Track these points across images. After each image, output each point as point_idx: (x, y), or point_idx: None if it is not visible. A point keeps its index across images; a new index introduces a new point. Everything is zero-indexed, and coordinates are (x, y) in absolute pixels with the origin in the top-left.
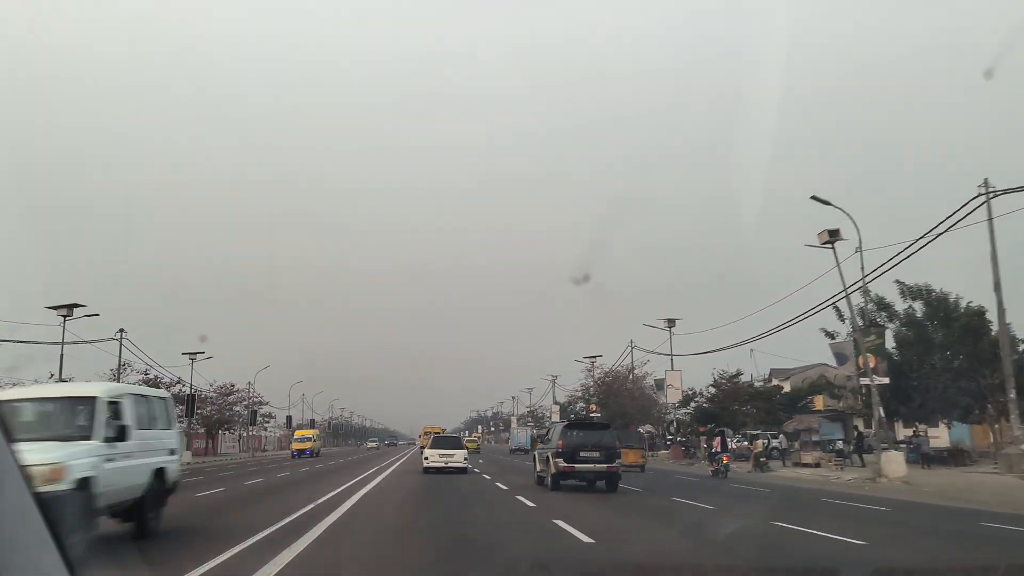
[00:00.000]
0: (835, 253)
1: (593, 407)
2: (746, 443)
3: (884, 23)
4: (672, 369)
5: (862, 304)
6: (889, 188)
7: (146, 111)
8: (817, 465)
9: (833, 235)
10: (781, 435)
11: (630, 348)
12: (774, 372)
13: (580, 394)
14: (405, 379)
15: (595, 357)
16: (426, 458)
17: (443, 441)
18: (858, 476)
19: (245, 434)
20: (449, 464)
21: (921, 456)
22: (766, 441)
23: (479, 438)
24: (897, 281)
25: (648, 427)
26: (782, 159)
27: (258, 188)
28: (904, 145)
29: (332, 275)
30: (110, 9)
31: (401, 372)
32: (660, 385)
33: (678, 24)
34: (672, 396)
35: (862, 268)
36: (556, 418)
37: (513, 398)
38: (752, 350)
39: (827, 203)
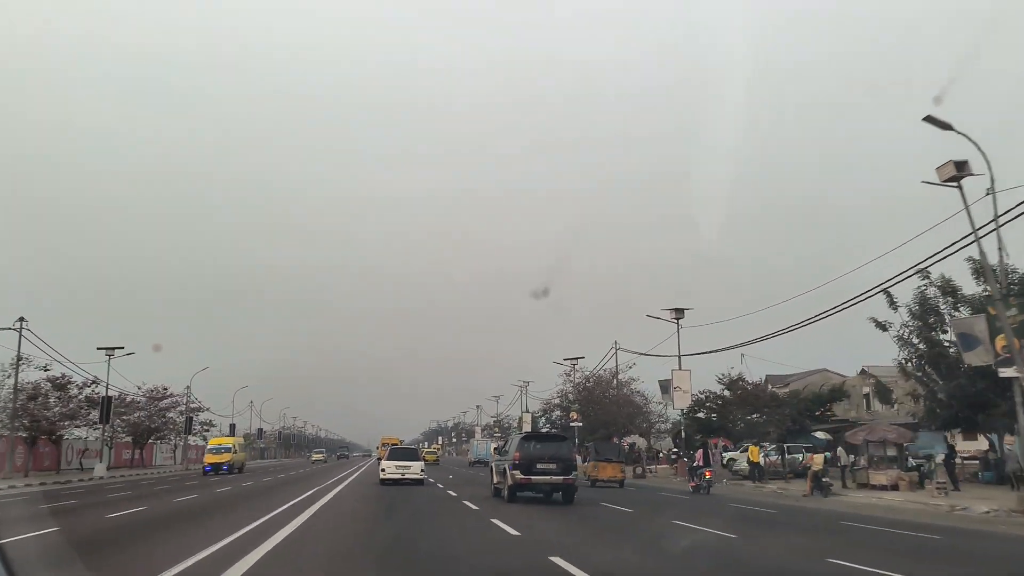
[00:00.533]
0: (962, 192)
1: (574, 415)
2: (775, 458)
3: (839, 50)
4: (680, 368)
5: (923, 288)
6: (843, 206)
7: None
8: (894, 487)
9: (960, 168)
10: (840, 448)
11: (614, 349)
12: (770, 379)
13: (558, 401)
14: (364, 390)
15: (576, 359)
16: (383, 470)
17: (400, 453)
18: (996, 507)
19: (181, 443)
20: (406, 476)
21: (1012, 476)
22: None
23: (439, 450)
24: (969, 259)
25: (634, 438)
26: (741, 178)
27: (226, 191)
28: (858, 165)
29: (291, 281)
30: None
31: (360, 382)
32: (665, 387)
33: (645, 51)
34: (680, 401)
35: (995, 210)
36: (528, 428)
37: (477, 407)
38: (743, 355)
39: (947, 127)
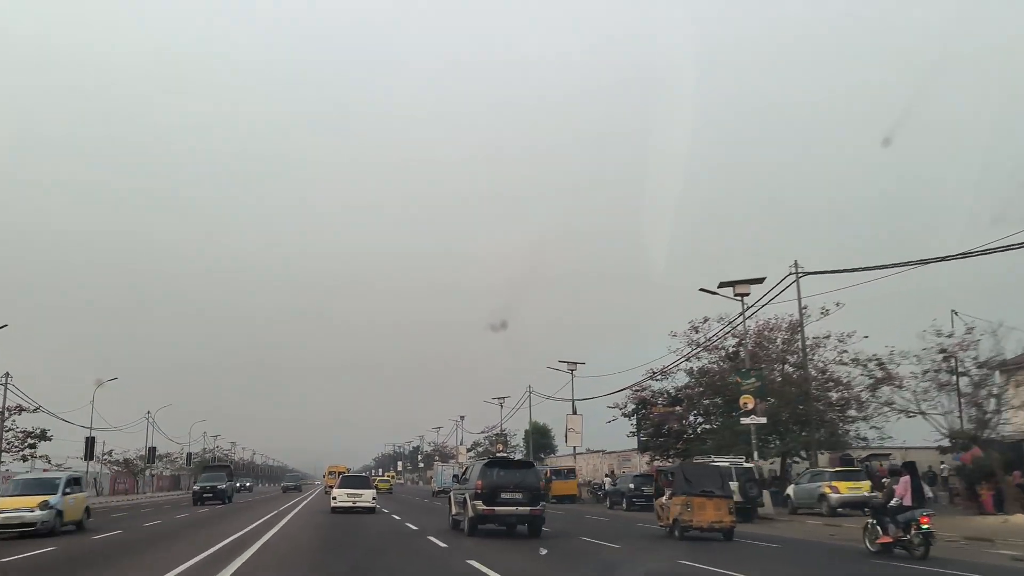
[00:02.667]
0: None
1: (748, 402)
2: None
3: (788, 88)
4: None
5: None
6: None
7: None
8: None
9: None
10: None
11: (795, 274)
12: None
13: (681, 386)
14: (310, 410)
15: (751, 282)
16: (334, 498)
17: (351, 480)
18: None
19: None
20: (357, 504)
21: None
22: None
23: (392, 477)
24: None
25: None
26: (688, 211)
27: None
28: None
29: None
30: None
31: (304, 402)
32: None
33: (593, 92)
34: None
35: None
36: (578, 436)
37: (461, 418)
38: (954, 311)
39: None
